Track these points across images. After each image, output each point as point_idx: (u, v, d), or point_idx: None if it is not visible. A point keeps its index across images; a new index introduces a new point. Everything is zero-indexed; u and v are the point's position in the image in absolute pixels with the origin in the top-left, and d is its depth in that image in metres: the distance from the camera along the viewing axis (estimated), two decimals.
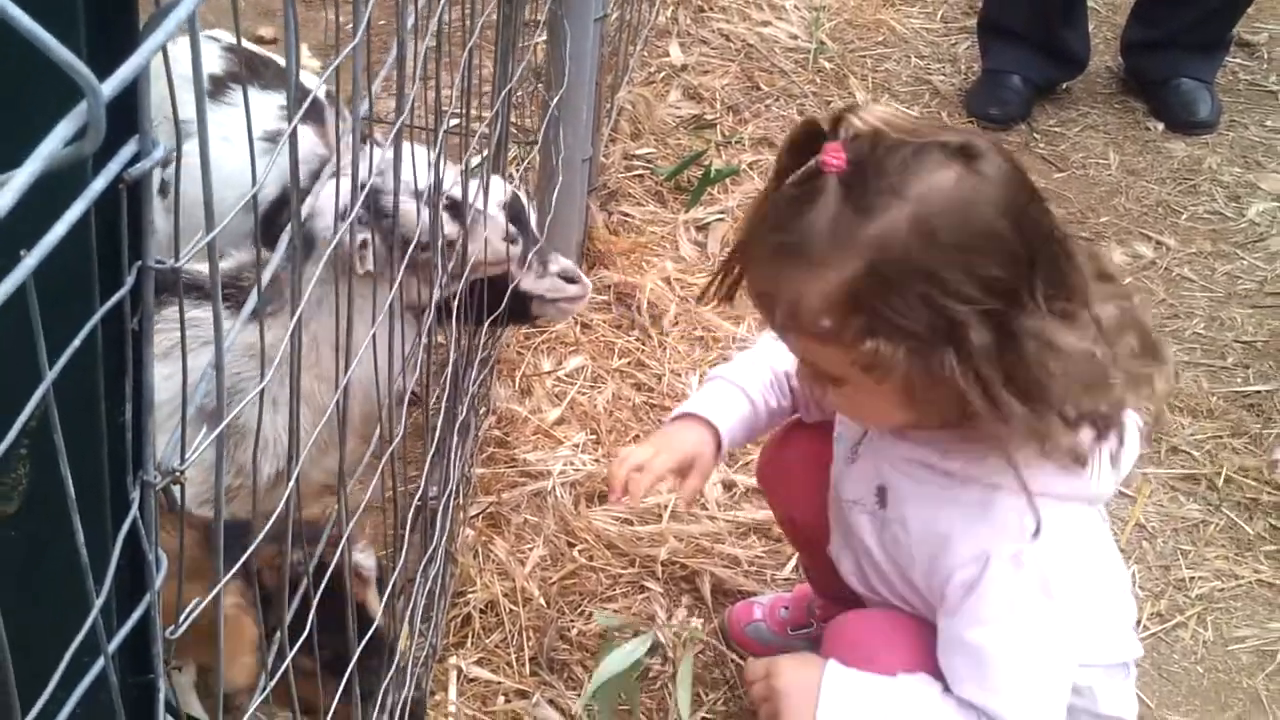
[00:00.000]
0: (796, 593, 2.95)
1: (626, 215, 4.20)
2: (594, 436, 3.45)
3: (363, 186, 1.65)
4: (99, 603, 1.04)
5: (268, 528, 1.46)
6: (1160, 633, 3.07)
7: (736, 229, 4.00)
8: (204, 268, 2.01)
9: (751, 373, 2.54)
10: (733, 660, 2.90)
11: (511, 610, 2.96)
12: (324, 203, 2.33)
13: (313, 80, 3.08)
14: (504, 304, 2.76)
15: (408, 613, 2.43)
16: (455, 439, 2.79)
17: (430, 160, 2.09)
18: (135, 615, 1.16)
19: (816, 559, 2.60)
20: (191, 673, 2.55)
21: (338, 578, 1.82)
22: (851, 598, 2.49)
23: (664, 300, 3.85)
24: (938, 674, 2.19)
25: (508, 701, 2.80)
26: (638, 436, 3.45)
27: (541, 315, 3.05)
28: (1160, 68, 4.96)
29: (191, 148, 1.09)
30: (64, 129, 0.71)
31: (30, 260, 0.76)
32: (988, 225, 1.92)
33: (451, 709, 2.76)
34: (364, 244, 2.34)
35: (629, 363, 3.69)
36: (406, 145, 1.93)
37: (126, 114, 0.92)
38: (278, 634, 1.62)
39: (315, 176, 2.63)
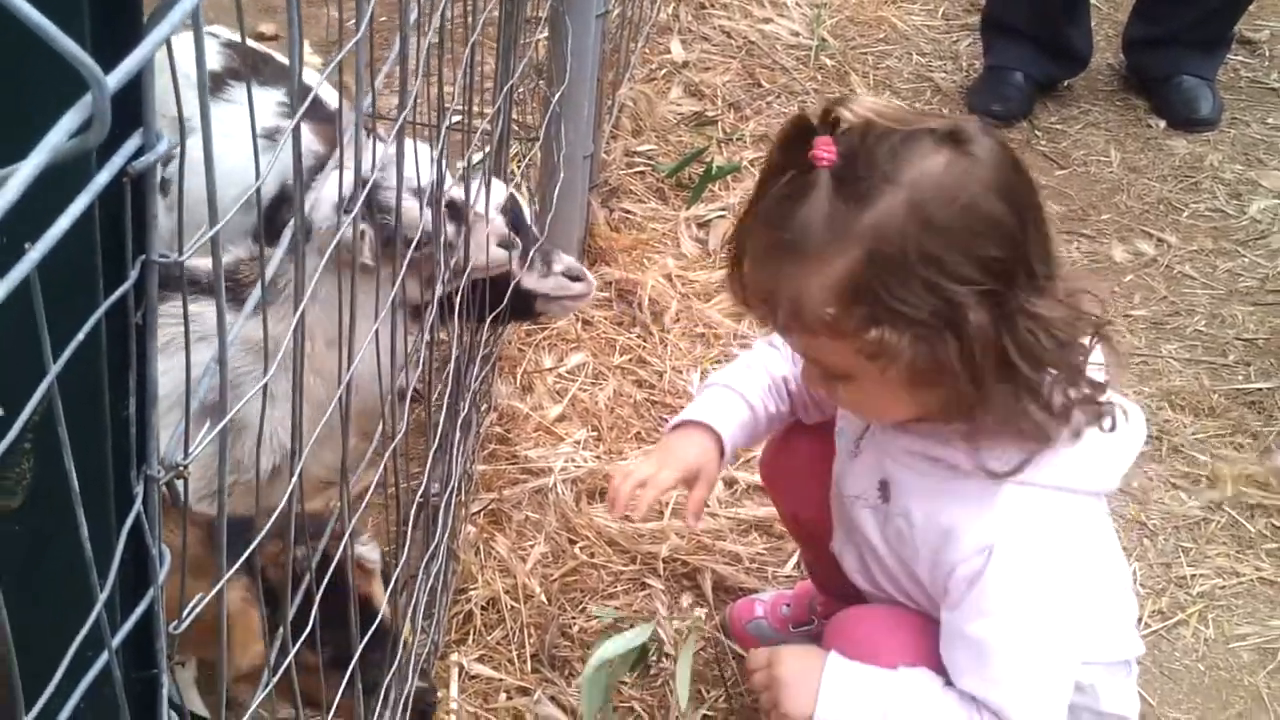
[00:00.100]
0: (798, 590, 2.95)
1: (628, 212, 4.20)
2: (595, 433, 3.45)
3: (363, 182, 1.65)
4: (103, 597, 1.04)
5: (270, 522, 1.45)
6: (1162, 630, 3.06)
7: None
8: (199, 263, 2.01)
9: (749, 378, 2.54)
10: (733, 658, 2.90)
11: (513, 607, 2.96)
12: (321, 194, 2.34)
13: (312, 77, 3.08)
14: (505, 302, 2.76)
15: (410, 609, 2.43)
16: (457, 435, 2.79)
17: (431, 158, 2.09)
18: (139, 610, 1.16)
19: (819, 555, 2.60)
20: (192, 668, 2.55)
21: (341, 572, 1.81)
22: (854, 595, 2.49)
23: (665, 297, 3.85)
24: (940, 669, 2.19)
25: (509, 698, 2.80)
26: (639, 433, 3.45)
27: (545, 312, 3.06)
28: (1162, 65, 4.96)
29: (190, 144, 1.09)
30: (69, 122, 0.71)
31: (34, 254, 0.76)
32: (982, 206, 1.93)
33: (453, 706, 2.76)
34: (360, 236, 2.34)
35: (630, 359, 3.69)
36: (407, 142, 1.93)
37: (130, 107, 0.92)
38: (281, 629, 1.62)
39: (313, 174, 2.63)
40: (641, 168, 4.41)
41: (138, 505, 1.12)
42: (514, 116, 3.34)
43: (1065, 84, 5.06)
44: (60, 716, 1.05)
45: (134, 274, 1.02)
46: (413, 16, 1.68)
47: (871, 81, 5.04)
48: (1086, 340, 2.08)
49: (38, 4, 0.67)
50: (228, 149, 1.96)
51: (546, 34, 3.73)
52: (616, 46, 4.41)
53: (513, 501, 3.24)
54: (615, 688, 2.71)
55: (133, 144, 0.92)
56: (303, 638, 1.64)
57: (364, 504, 2.02)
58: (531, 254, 2.82)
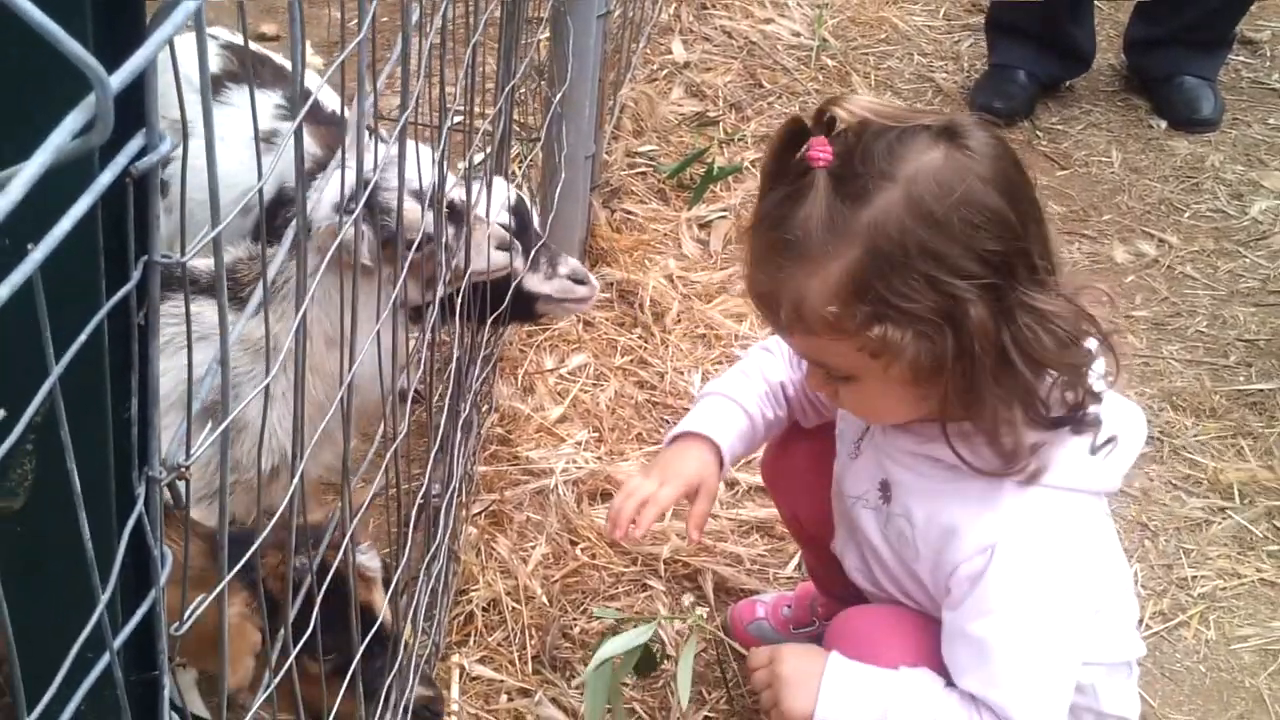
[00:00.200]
0: (799, 591, 2.95)
1: (629, 213, 4.20)
2: (596, 434, 3.44)
3: (363, 183, 1.65)
4: (104, 598, 1.04)
5: (269, 528, 1.45)
6: (1163, 632, 3.06)
7: (739, 229, 4.00)
8: (197, 263, 2.01)
9: (746, 386, 2.54)
10: (735, 659, 2.90)
11: (514, 608, 2.96)
12: (321, 195, 2.34)
13: (311, 78, 3.08)
14: (506, 303, 2.76)
15: (411, 611, 2.43)
16: (458, 436, 2.79)
17: (431, 159, 2.09)
18: (140, 612, 1.16)
19: (821, 556, 2.60)
20: (193, 671, 2.55)
21: (342, 579, 1.81)
22: (855, 597, 2.49)
23: (666, 298, 3.85)
24: (941, 670, 2.19)
25: (510, 700, 2.80)
26: (640, 434, 3.44)
27: (547, 314, 3.05)
28: (1163, 65, 4.96)
29: (190, 145, 1.08)
30: (72, 121, 0.71)
31: (37, 254, 0.76)
32: (980, 199, 1.94)
33: (454, 707, 2.76)
34: (358, 237, 2.34)
35: (631, 360, 3.68)
36: (408, 144, 1.93)
37: (133, 108, 0.91)
38: (282, 635, 1.62)
39: (310, 178, 2.63)
40: (643, 168, 4.41)
41: (139, 506, 1.12)
42: (515, 117, 3.34)
43: (1067, 84, 5.06)
44: (61, 718, 1.05)
45: (136, 275, 1.02)
46: (414, 17, 1.67)
47: (873, 82, 5.04)
48: (1091, 343, 2.08)
49: (41, 4, 0.67)
50: (223, 153, 1.96)
51: (548, 34, 3.73)
52: (618, 47, 4.41)
53: (514, 502, 3.23)
54: (619, 688, 2.70)
55: (135, 144, 0.92)
56: (301, 643, 1.64)
57: (363, 509, 2.02)
58: (536, 256, 2.82)
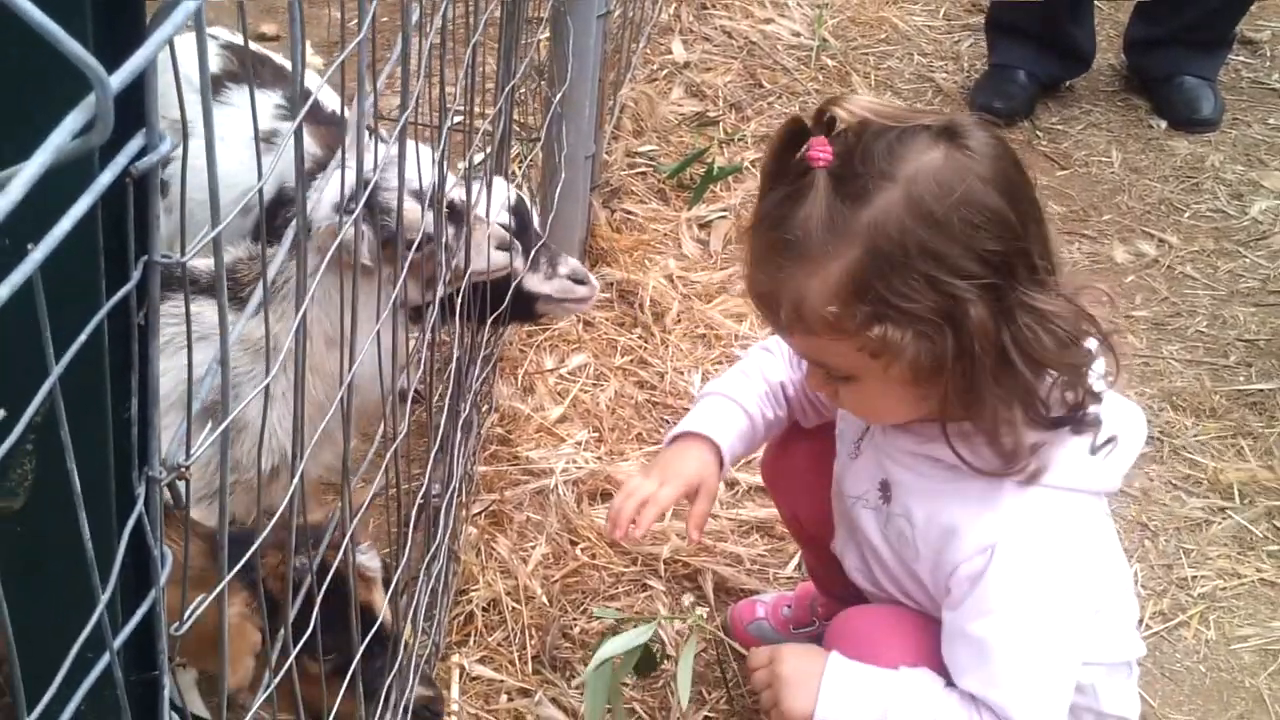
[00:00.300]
0: (799, 591, 2.95)
1: (629, 213, 4.20)
2: (596, 434, 3.44)
3: (365, 182, 1.65)
4: (104, 598, 1.04)
5: (269, 529, 1.45)
6: (1163, 632, 3.06)
7: (739, 229, 4.00)
8: (197, 263, 2.00)
9: (746, 386, 2.54)
10: (735, 659, 2.90)
11: (514, 608, 2.96)
12: (321, 194, 2.34)
13: (310, 78, 3.07)
14: (506, 303, 2.76)
15: (411, 611, 2.43)
16: (458, 436, 2.79)
17: (431, 159, 2.09)
18: (140, 611, 1.16)
19: (821, 556, 2.60)
20: (193, 671, 2.55)
21: (342, 580, 1.81)
22: (855, 597, 2.49)
23: (666, 298, 3.85)
24: (941, 670, 2.19)
25: (510, 700, 2.80)
26: (640, 434, 3.44)
27: (547, 314, 3.05)
28: (1163, 65, 4.96)
29: (189, 146, 1.08)
30: (72, 121, 0.71)
31: (37, 254, 0.76)
32: (980, 199, 1.94)
33: (454, 707, 2.76)
34: (358, 237, 2.33)
35: (631, 360, 3.68)
36: (408, 144, 1.93)
37: (133, 108, 0.91)
38: (282, 634, 1.62)
39: (311, 176, 2.63)
40: (643, 168, 4.41)
41: (139, 506, 1.12)
42: (515, 117, 3.34)
43: (1067, 84, 5.06)
44: (61, 718, 1.05)
45: (136, 275, 1.02)
46: (414, 17, 1.67)
47: (873, 82, 5.04)
48: (1091, 344, 2.08)
49: (41, 4, 0.66)
50: (223, 153, 1.97)
51: (548, 34, 3.73)
52: (618, 47, 4.41)
53: (514, 503, 3.23)
54: (619, 688, 2.70)
55: (135, 144, 0.92)
56: (301, 643, 1.64)
57: (363, 509, 2.02)
58: (536, 256, 2.82)
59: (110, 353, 1.05)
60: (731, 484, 3.30)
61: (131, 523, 1.11)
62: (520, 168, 3.84)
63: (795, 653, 2.30)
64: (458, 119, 2.67)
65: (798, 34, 5.23)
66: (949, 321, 1.95)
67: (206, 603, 1.28)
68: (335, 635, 1.82)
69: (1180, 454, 3.51)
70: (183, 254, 1.09)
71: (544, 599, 2.99)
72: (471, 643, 2.90)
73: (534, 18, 3.68)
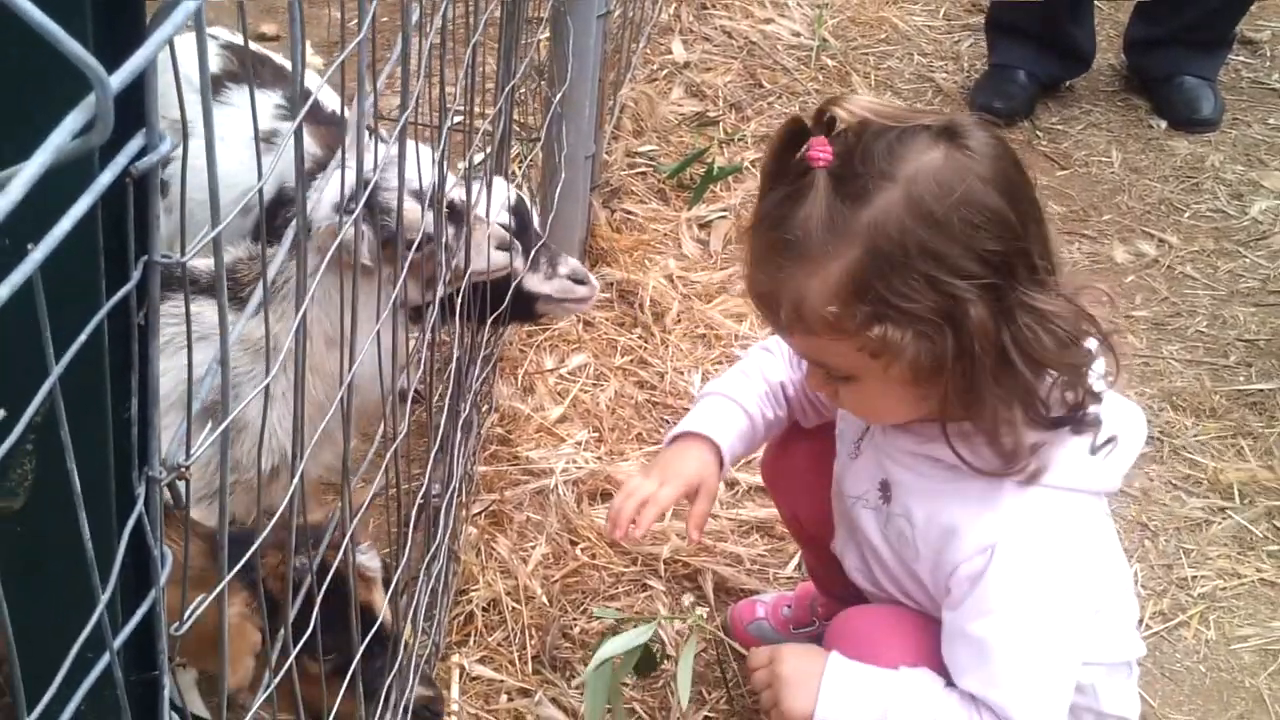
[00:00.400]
0: (799, 591, 2.95)
1: (629, 213, 4.20)
2: (596, 434, 3.44)
3: (364, 182, 1.65)
4: (104, 598, 1.04)
5: (269, 528, 1.45)
6: (1163, 632, 3.06)
7: (739, 229, 4.00)
8: (196, 262, 2.01)
9: (746, 386, 2.54)
10: (735, 659, 2.90)
11: (514, 608, 2.96)
12: (321, 194, 2.34)
13: (310, 79, 3.07)
14: (506, 303, 2.76)
15: (411, 611, 2.43)
16: (458, 436, 2.79)
17: (431, 159, 2.09)
18: (140, 611, 1.16)
19: (821, 556, 2.60)
20: (193, 671, 2.55)
21: (342, 580, 1.81)
22: (855, 597, 2.49)
23: (667, 298, 3.85)
24: (941, 670, 2.19)
25: (510, 700, 2.80)
26: (640, 434, 3.44)
27: (547, 314, 3.05)
28: (1163, 65, 4.96)
29: (189, 146, 1.08)
30: (72, 121, 0.71)
31: (37, 254, 0.76)
32: (980, 199, 1.94)
33: (454, 707, 2.76)
34: (358, 237, 2.33)
35: (631, 360, 3.68)
36: (408, 143, 1.93)
37: (133, 108, 0.91)
38: (282, 634, 1.62)
39: (310, 176, 2.63)
40: (643, 168, 4.41)
41: (139, 506, 1.12)
42: (515, 117, 3.33)
43: (1068, 84, 5.06)
44: (61, 718, 1.05)
45: (136, 275, 1.02)
46: (414, 17, 1.67)
47: (873, 82, 5.04)
48: (1091, 344, 2.08)
49: (41, 4, 0.66)
50: (223, 153, 1.97)
51: (548, 34, 3.73)
52: (618, 47, 4.41)
53: (514, 502, 3.23)
54: (620, 688, 2.70)
55: (135, 144, 0.92)
56: (301, 643, 1.64)
57: (363, 509, 2.02)
58: (536, 256, 2.82)
59: (110, 353, 1.05)
60: (731, 484, 3.30)
61: (131, 523, 1.11)
62: (520, 168, 3.84)
63: (795, 653, 2.30)
64: (458, 119, 2.67)
65: (798, 34, 5.23)
66: (949, 321, 1.95)
67: (206, 602, 1.28)
68: (335, 635, 1.83)
69: (1180, 454, 3.51)
70: (183, 254, 1.09)
71: (544, 599, 2.99)
72: (471, 643, 2.90)
73: (534, 18, 3.68)
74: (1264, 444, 3.55)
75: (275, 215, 2.75)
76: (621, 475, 3.25)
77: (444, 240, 2.24)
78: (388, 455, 2.01)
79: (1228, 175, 4.65)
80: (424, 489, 2.46)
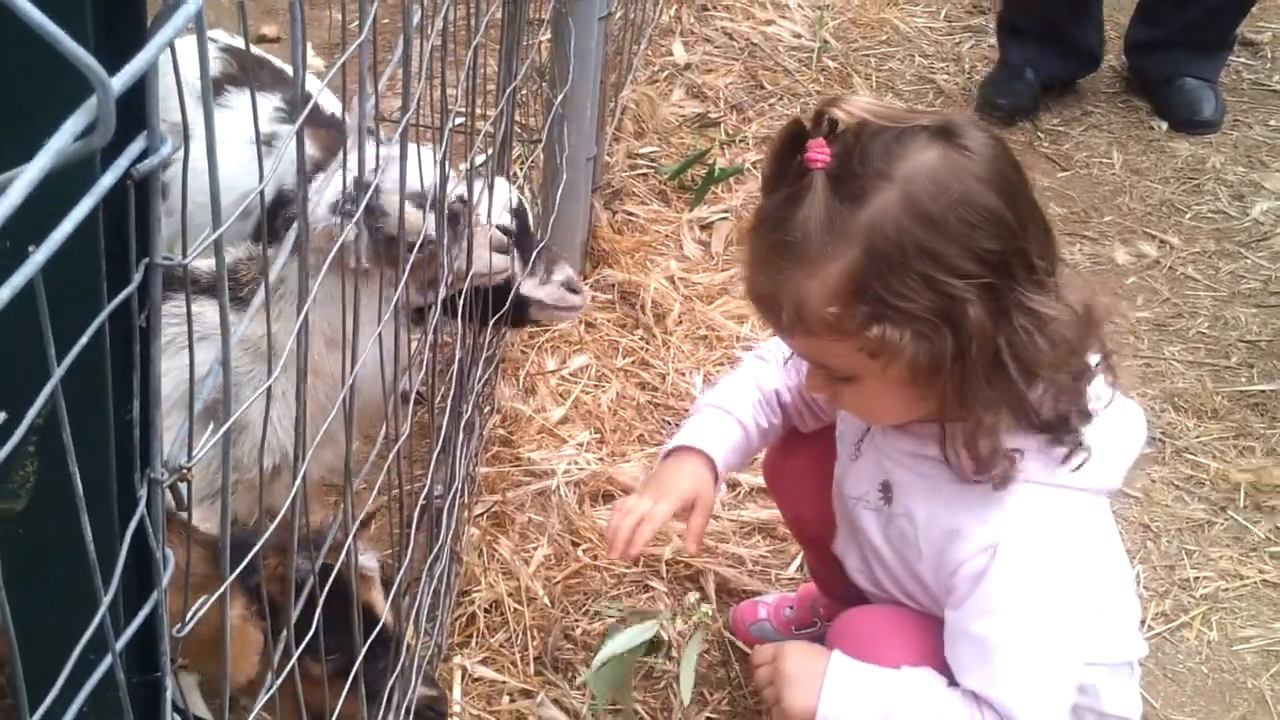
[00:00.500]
0: (801, 592, 2.95)
1: (630, 214, 4.20)
2: (598, 435, 3.44)
3: (363, 184, 1.65)
4: (106, 600, 1.04)
5: (270, 531, 1.45)
6: (1165, 633, 3.06)
7: (740, 230, 4.00)
8: (197, 263, 2.01)
9: (740, 396, 2.54)
10: (737, 661, 2.90)
11: (516, 609, 2.96)
12: (319, 196, 2.34)
13: (309, 81, 3.07)
14: (507, 306, 2.76)
15: (413, 612, 2.43)
16: (460, 438, 2.79)
17: (434, 160, 2.09)
18: (143, 613, 1.16)
19: (822, 557, 2.60)
20: (196, 675, 2.55)
21: (342, 581, 1.81)
22: (856, 598, 2.49)
23: (668, 299, 3.85)
24: (943, 670, 2.19)
25: (512, 701, 2.80)
26: (641, 435, 3.44)
27: (539, 320, 3.06)
28: (1164, 67, 4.96)
29: (189, 149, 1.08)
30: (73, 124, 0.71)
31: (39, 256, 0.76)
32: (977, 198, 1.94)
33: (456, 708, 2.76)
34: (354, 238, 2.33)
35: (633, 362, 3.68)
36: (410, 146, 1.93)
37: (134, 110, 0.91)
38: (284, 636, 1.62)
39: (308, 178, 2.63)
40: (644, 170, 4.41)
41: (141, 508, 1.12)
42: (517, 119, 3.34)
43: (1077, 82, 5.06)
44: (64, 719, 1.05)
45: (138, 277, 1.02)
46: (416, 19, 1.67)
47: (874, 83, 5.04)
48: (1091, 358, 2.08)
49: (42, 6, 0.67)
50: (222, 155, 1.97)
51: (549, 36, 3.73)
52: (619, 49, 4.41)
53: (516, 504, 3.23)
54: (629, 678, 2.70)
55: (137, 146, 0.92)
56: (303, 645, 1.64)
57: (364, 511, 2.02)
58: (535, 260, 2.82)
59: (111, 355, 1.05)
60: (733, 485, 3.30)
61: (134, 525, 1.11)
62: (522, 169, 3.84)
63: (798, 650, 2.30)
64: (459, 120, 2.67)
65: (799, 35, 5.23)
66: (947, 321, 1.95)
67: (209, 604, 1.28)
68: (337, 636, 1.83)
69: (1182, 455, 3.51)
70: (184, 256, 1.09)
71: (546, 600, 2.99)
72: (474, 644, 2.90)
73: (535, 19, 3.68)
74: (1266, 445, 3.55)
75: (275, 216, 2.75)
76: (623, 477, 3.26)
77: (444, 242, 2.24)
78: (390, 456, 2.01)
79: (1229, 177, 4.65)
80: (426, 490, 2.46)
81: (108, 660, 1.08)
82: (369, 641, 1.93)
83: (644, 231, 4.14)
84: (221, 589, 1.31)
